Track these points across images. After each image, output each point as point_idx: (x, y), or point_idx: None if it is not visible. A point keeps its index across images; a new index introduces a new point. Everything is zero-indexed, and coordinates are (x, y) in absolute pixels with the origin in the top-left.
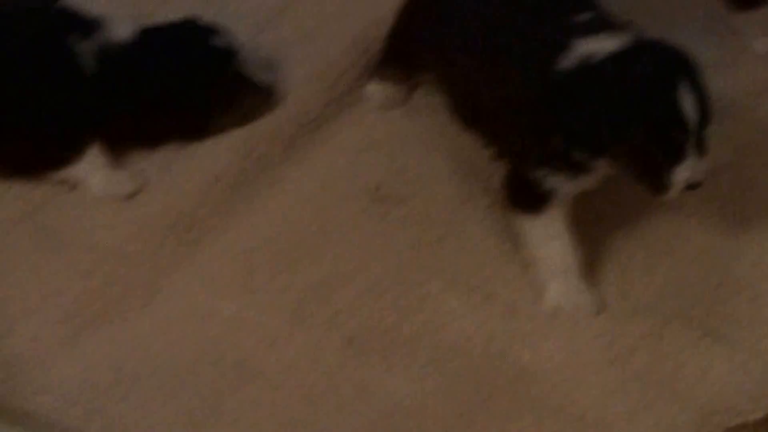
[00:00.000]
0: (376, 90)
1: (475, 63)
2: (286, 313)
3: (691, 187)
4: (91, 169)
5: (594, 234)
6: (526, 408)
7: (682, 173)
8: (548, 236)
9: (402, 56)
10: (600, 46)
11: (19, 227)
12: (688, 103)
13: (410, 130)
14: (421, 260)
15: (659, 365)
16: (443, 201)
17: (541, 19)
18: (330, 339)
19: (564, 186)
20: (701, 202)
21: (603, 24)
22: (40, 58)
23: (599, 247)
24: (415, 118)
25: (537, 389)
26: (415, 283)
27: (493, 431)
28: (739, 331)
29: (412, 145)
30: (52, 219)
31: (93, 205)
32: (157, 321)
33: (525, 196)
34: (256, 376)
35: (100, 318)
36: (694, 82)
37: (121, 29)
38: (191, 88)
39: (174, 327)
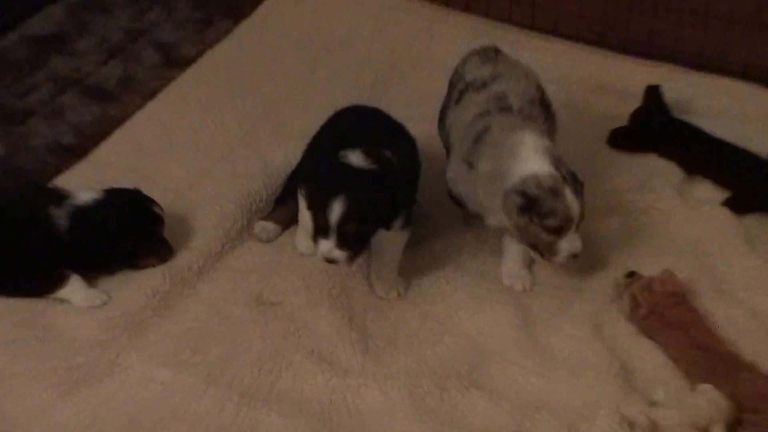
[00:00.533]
0: (263, 226)
1: None
2: (201, 377)
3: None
4: (73, 290)
5: None
6: None
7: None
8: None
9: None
10: None
11: (25, 325)
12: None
13: (280, 258)
14: (287, 342)
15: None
16: (300, 305)
17: None
18: (230, 394)
19: None
20: None
21: None
22: (31, 222)
23: None
24: (282, 249)
25: (370, 428)
26: (284, 356)
27: None
28: None
29: (281, 268)
30: (47, 320)
31: (74, 310)
32: (117, 386)
33: None
34: (182, 419)
35: (77, 386)
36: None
37: (86, 196)
38: (134, 238)
39: (127, 390)
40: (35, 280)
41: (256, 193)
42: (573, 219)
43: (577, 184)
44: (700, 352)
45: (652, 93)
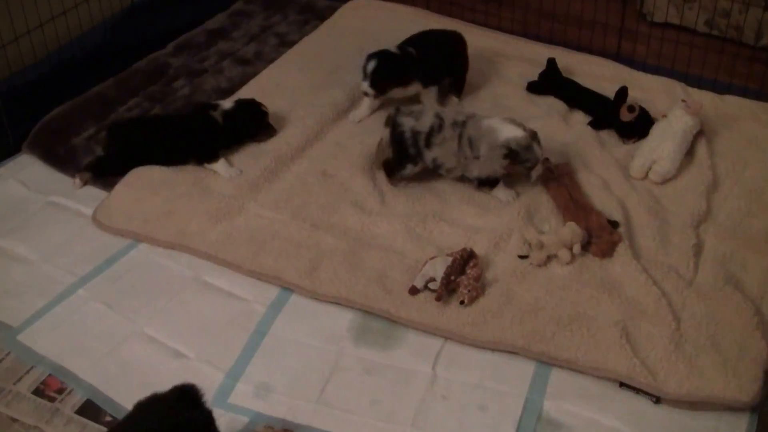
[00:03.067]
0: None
1: None
2: (289, 214)
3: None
4: (220, 165)
5: None
6: None
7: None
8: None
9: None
10: None
11: (194, 184)
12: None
13: (337, 151)
14: (338, 196)
15: None
16: (346, 176)
17: None
18: (305, 225)
19: None
20: None
21: None
22: (202, 118)
23: None
24: (341, 145)
25: (382, 244)
26: (336, 204)
27: None
28: None
29: (338, 155)
30: (205, 183)
31: (220, 177)
32: (242, 220)
33: None
34: (279, 238)
35: (221, 219)
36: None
37: (228, 104)
38: (254, 124)
39: (248, 222)
40: (203, 155)
41: (326, 115)
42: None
43: (537, 138)
44: (572, 202)
45: (551, 62)
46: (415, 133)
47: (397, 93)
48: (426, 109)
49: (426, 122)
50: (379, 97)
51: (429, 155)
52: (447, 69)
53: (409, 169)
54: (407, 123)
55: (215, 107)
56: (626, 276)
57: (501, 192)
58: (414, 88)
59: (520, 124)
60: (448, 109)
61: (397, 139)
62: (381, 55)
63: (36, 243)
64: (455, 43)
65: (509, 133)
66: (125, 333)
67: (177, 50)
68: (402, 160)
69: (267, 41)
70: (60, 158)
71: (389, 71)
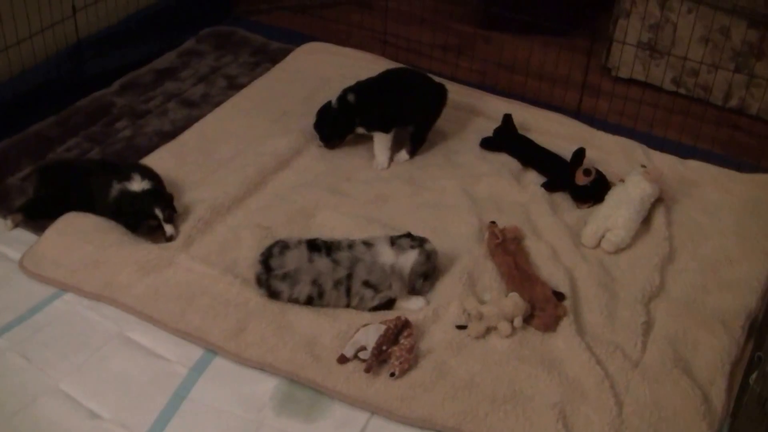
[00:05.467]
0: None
1: None
2: (220, 270)
3: None
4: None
5: None
6: None
7: None
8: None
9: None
10: None
11: (125, 235)
12: None
13: (274, 203)
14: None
15: None
16: (281, 229)
17: None
18: (234, 280)
19: None
20: None
21: None
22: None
23: None
24: (280, 197)
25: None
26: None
27: None
28: None
29: (275, 208)
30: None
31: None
32: (172, 273)
33: None
34: (207, 294)
35: (149, 271)
36: None
37: (134, 185)
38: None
39: (178, 276)
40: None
41: (268, 164)
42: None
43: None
44: (517, 271)
45: (507, 118)
46: (294, 299)
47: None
48: (301, 270)
49: (303, 292)
50: (335, 146)
51: (314, 305)
52: (405, 116)
53: None
54: (283, 289)
55: (126, 178)
56: (568, 353)
57: (411, 302)
58: (363, 131)
59: (407, 238)
60: (324, 267)
61: (272, 296)
62: (319, 112)
63: None
64: (423, 90)
65: (409, 258)
66: (40, 389)
67: (122, 89)
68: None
69: (215, 83)
70: None
71: (328, 125)
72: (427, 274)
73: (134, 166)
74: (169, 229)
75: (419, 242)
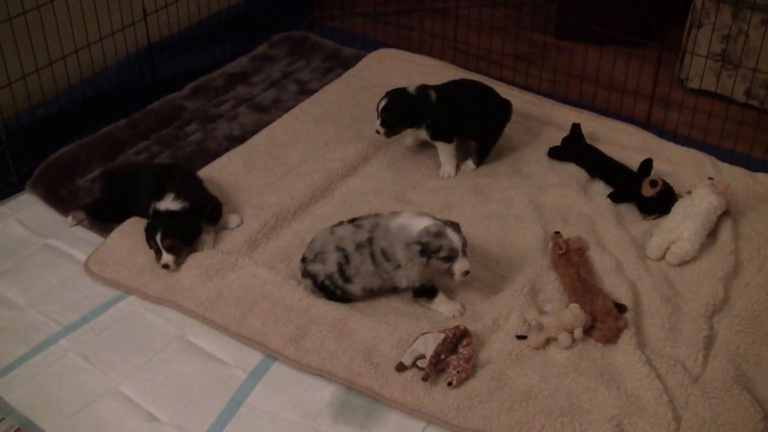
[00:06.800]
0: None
1: None
2: (283, 276)
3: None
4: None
5: None
6: None
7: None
8: None
9: None
10: None
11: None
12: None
13: (340, 207)
14: None
15: None
16: None
17: None
18: (298, 287)
19: None
20: None
21: None
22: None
23: None
24: (344, 203)
25: None
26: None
27: None
28: None
29: (341, 211)
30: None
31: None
32: (234, 277)
33: None
34: (269, 299)
35: (212, 276)
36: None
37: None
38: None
39: (241, 281)
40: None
41: (335, 171)
42: (458, 248)
43: (454, 225)
44: (579, 282)
45: (575, 128)
46: (330, 276)
47: (418, 135)
48: (324, 242)
49: (331, 262)
50: (392, 136)
51: (355, 288)
52: (469, 130)
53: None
54: (318, 270)
55: (159, 197)
56: (628, 367)
57: (442, 305)
58: (425, 135)
59: (431, 217)
60: (345, 231)
61: (321, 290)
62: (393, 93)
63: (26, 287)
64: (493, 107)
65: (419, 225)
66: (100, 390)
67: (194, 93)
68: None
69: (287, 88)
70: (62, 199)
71: (399, 110)
72: (434, 250)
73: (181, 181)
74: (163, 257)
75: (444, 221)
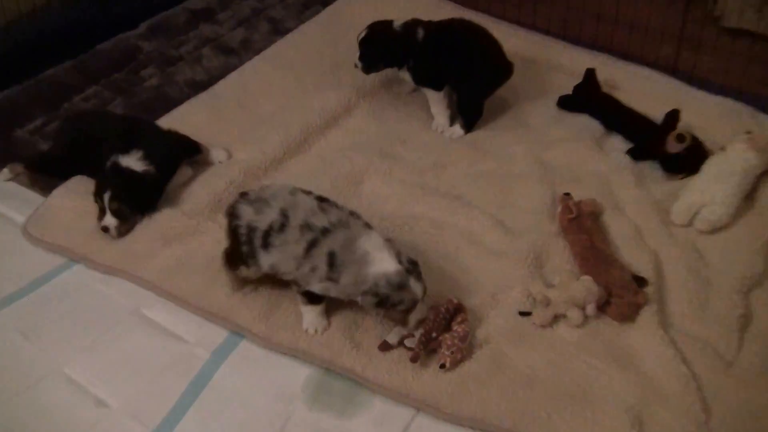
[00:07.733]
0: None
1: None
2: None
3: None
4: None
5: None
6: None
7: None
8: None
9: None
10: None
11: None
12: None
13: (316, 163)
14: None
15: None
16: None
17: None
18: None
19: None
20: None
21: None
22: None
23: None
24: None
25: None
26: None
27: None
28: None
29: (318, 171)
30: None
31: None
32: (197, 243)
33: None
34: None
35: (172, 241)
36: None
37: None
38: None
39: (203, 246)
40: None
41: (313, 123)
42: (419, 299)
43: (416, 270)
44: (592, 251)
45: (590, 73)
46: (251, 229)
47: (403, 77)
48: (276, 196)
49: (266, 217)
50: (371, 72)
51: (266, 259)
52: (454, 81)
53: (243, 272)
54: (245, 214)
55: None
56: (648, 349)
57: (312, 315)
58: (408, 78)
59: (395, 252)
60: (305, 201)
61: (232, 232)
62: (375, 25)
63: None
64: (489, 61)
65: (380, 268)
66: (41, 371)
67: (150, 32)
68: (236, 258)
69: (258, 27)
70: None
71: (379, 45)
72: (394, 303)
73: (152, 135)
74: (106, 218)
75: (414, 268)
